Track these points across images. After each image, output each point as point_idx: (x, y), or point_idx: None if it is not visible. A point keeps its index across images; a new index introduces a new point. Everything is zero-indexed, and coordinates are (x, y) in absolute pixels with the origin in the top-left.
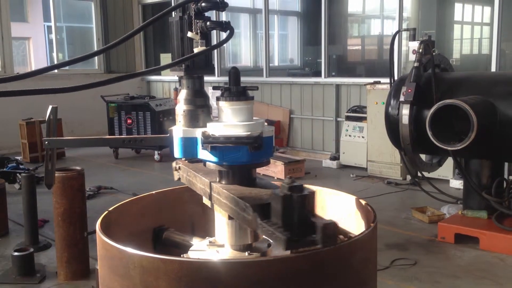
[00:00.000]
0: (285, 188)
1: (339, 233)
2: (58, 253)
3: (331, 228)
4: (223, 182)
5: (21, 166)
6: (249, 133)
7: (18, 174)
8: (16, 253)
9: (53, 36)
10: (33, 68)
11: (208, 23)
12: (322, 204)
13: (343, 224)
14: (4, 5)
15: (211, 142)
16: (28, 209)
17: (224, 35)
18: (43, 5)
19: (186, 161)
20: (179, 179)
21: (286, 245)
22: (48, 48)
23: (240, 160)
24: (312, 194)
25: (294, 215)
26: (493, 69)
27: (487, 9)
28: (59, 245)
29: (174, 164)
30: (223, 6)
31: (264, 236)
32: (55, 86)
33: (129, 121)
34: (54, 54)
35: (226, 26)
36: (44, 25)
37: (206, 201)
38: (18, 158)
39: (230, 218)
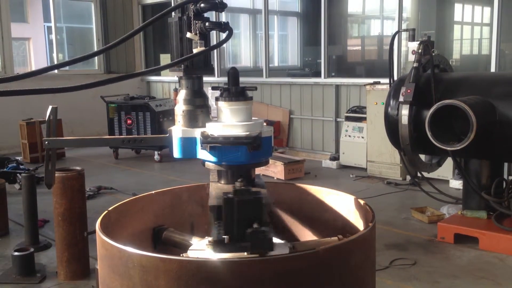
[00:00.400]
0: (230, 191)
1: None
2: (58, 253)
3: (260, 237)
4: (222, 182)
5: (21, 166)
6: (248, 133)
7: (18, 174)
8: (16, 253)
9: (53, 36)
10: (33, 69)
11: (207, 23)
12: (321, 204)
13: (342, 224)
14: (4, 5)
15: (210, 142)
16: (28, 209)
17: (223, 35)
18: (43, 6)
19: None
20: None
21: (212, 247)
22: (48, 48)
23: (239, 160)
24: (256, 199)
25: (233, 219)
26: (493, 69)
27: (487, 10)
28: (59, 245)
29: None
30: (222, 7)
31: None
32: (55, 87)
33: (129, 121)
34: (54, 55)
35: (225, 27)
36: (44, 25)
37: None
38: (19, 158)
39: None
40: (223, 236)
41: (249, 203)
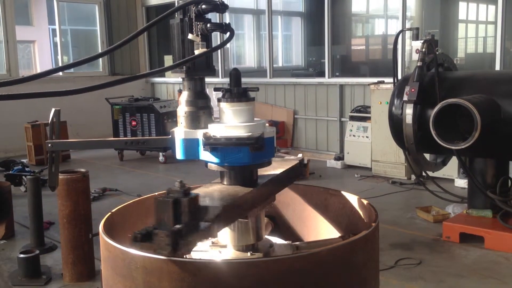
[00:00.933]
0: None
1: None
2: (64, 254)
3: (163, 236)
4: (225, 183)
5: (26, 169)
6: (250, 134)
7: (23, 177)
8: (22, 255)
9: (57, 39)
10: (38, 71)
11: (208, 25)
12: (325, 204)
13: (345, 224)
14: (9, 8)
15: (212, 143)
16: (34, 212)
17: (225, 36)
18: (47, 8)
19: None
20: None
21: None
22: (53, 51)
23: (241, 161)
24: (177, 200)
25: (164, 218)
26: (498, 67)
27: (491, 8)
28: (64, 247)
29: None
30: (223, 8)
31: (267, 237)
32: (60, 89)
33: (133, 123)
34: (59, 57)
35: (226, 28)
36: (48, 28)
37: None
38: (24, 160)
39: None
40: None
41: (165, 203)
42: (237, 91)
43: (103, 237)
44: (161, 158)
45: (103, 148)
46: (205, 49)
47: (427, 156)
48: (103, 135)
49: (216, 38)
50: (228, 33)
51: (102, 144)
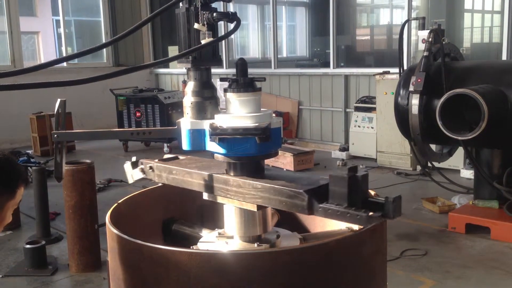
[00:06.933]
0: (343, 170)
1: None
2: (70, 245)
3: (399, 201)
4: (232, 174)
5: (32, 160)
6: (257, 124)
7: (29, 168)
8: (28, 246)
9: (61, 30)
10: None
11: (214, 14)
12: None
13: None
14: None
15: (219, 134)
16: (40, 202)
17: (231, 26)
18: None
19: (158, 161)
20: (142, 179)
21: (367, 221)
22: (57, 42)
23: (248, 152)
24: (368, 174)
25: (359, 194)
26: (504, 57)
27: None
28: (70, 237)
29: (130, 165)
30: None
31: (273, 228)
32: (64, 80)
33: (138, 114)
34: (63, 48)
35: (232, 17)
36: (52, 19)
37: (208, 196)
38: (29, 151)
39: (259, 208)
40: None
41: (366, 178)
42: (244, 81)
43: (110, 228)
44: (165, 149)
45: (109, 138)
46: (211, 39)
47: (433, 146)
48: (107, 126)
49: (220, 28)
50: (234, 23)
51: (108, 134)
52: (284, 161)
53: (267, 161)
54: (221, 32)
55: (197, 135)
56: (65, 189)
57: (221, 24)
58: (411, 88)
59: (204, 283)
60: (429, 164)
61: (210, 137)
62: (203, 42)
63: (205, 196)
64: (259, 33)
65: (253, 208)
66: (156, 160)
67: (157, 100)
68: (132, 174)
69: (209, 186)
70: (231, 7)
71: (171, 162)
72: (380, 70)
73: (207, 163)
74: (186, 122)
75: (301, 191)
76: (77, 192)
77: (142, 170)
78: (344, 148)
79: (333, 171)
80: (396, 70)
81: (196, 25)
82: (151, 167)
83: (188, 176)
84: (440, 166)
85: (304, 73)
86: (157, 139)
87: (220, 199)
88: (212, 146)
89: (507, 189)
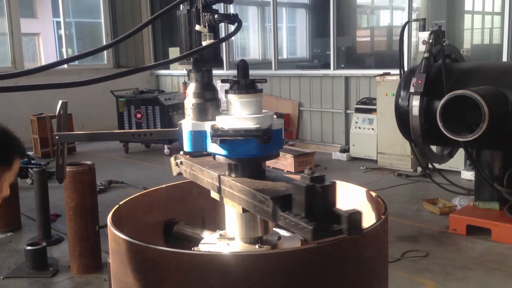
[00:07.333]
0: (306, 179)
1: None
2: (70, 247)
3: (357, 217)
4: (233, 175)
5: (32, 161)
6: (258, 125)
7: (30, 169)
8: (29, 247)
9: (62, 31)
10: (43, 64)
11: (215, 16)
12: None
13: None
14: (13, 1)
15: (220, 135)
16: (40, 204)
17: (232, 28)
18: (52, 1)
19: (188, 156)
20: (179, 173)
21: (313, 235)
22: (58, 43)
23: (250, 153)
24: (333, 184)
25: (318, 205)
26: (504, 59)
27: None
28: (71, 239)
29: (173, 159)
30: None
31: (274, 229)
32: (65, 82)
33: (138, 115)
34: (64, 50)
35: (234, 19)
36: (53, 20)
37: (214, 194)
38: (30, 153)
39: (244, 211)
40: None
41: (329, 188)
42: (245, 83)
43: (112, 230)
44: (166, 150)
45: (111, 140)
46: (212, 40)
47: (433, 148)
48: (108, 128)
49: (221, 30)
50: (235, 24)
51: (110, 136)
52: (284, 162)
53: (267, 163)
54: (221, 34)
55: (198, 137)
56: (65, 190)
57: (221, 25)
58: (412, 90)
59: (205, 284)
60: (430, 166)
61: (211, 139)
62: (204, 43)
63: (212, 194)
64: (260, 34)
65: (240, 210)
66: (183, 155)
67: (157, 101)
68: (174, 168)
69: (213, 185)
70: (231, 9)
71: (196, 158)
72: (381, 71)
73: None
74: (187, 124)
75: (267, 197)
76: (78, 194)
77: (177, 164)
78: (345, 150)
79: (302, 177)
80: (397, 71)
81: (197, 27)
82: (181, 162)
83: (200, 174)
84: (441, 167)
85: (305, 75)
86: (157, 141)
87: (219, 199)
88: (213, 147)
89: (508, 191)
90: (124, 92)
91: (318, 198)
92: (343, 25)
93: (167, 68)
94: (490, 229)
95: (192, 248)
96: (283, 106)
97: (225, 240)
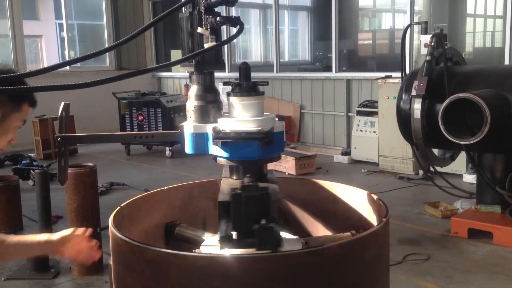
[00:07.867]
0: (234, 190)
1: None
2: None
3: (268, 233)
4: (234, 178)
5: (34, 163)
6: (260, 128)
7: (31, 171)
8: None
9: (64, 33)
10: (46, 66)
11: (218, 18)
12: (334, 199)
13: (355, 219)
14: (16, 3)
15: (222, 138)
16: (42, 205)
17: (234, 30)
18: (54, 3)
19: None
20: None
21: (220, 243)
22: (60, 45)
23: (251, 156)
24: (264, 195)
25: (242, 215)
26: (506, 62)
27: (500, 2)
28: None
29: None
30: (232, 1)
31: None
32: (67, 83)
33: (140, 117)
34: (66, 52)
35: (236, 21)
36: (55, 22)
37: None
38: (32, 155)
39: None
40: (231, 232)
41: (257, 198)
42: (247, 85)
43: (113, 231)
44: (167, 152)
45: (113, 142)
46: (214, 43)
47: (435, 151)
48: (109, 130)
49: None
50: (237, 27)
51: (112, 138)
52: (286, 165)
53: (269, 165)
54: (223, 36)
55: (200, 139)
56: (67, 192)
57: (223, 28)
58: (414, 93)
59: (206, 286)
60: (432, 169)
61: (213, 141)
62: (206, 46)
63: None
64: (261, 37)
65: None
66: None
67: (159, 103)
68: None
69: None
70: (233, 11)
71: None
72: (382, 74)
73: None
74: (189, 126)
75: (220, 200)
76: (79, 195)
77: None
78: (346, 152)
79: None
80: (398, 74)
81: (199, 29)
82: None
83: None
84: (443, 170)
85: (306, 77)
86: (159, 143)
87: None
88: (214, 149)
89: (510, 194)
90: (126, 94)
91: (242, 207)
92: (345, 28)
93: (169, 70)
94: (492, 232)
95: (194, 250)
96: (284, 109)
97: None
